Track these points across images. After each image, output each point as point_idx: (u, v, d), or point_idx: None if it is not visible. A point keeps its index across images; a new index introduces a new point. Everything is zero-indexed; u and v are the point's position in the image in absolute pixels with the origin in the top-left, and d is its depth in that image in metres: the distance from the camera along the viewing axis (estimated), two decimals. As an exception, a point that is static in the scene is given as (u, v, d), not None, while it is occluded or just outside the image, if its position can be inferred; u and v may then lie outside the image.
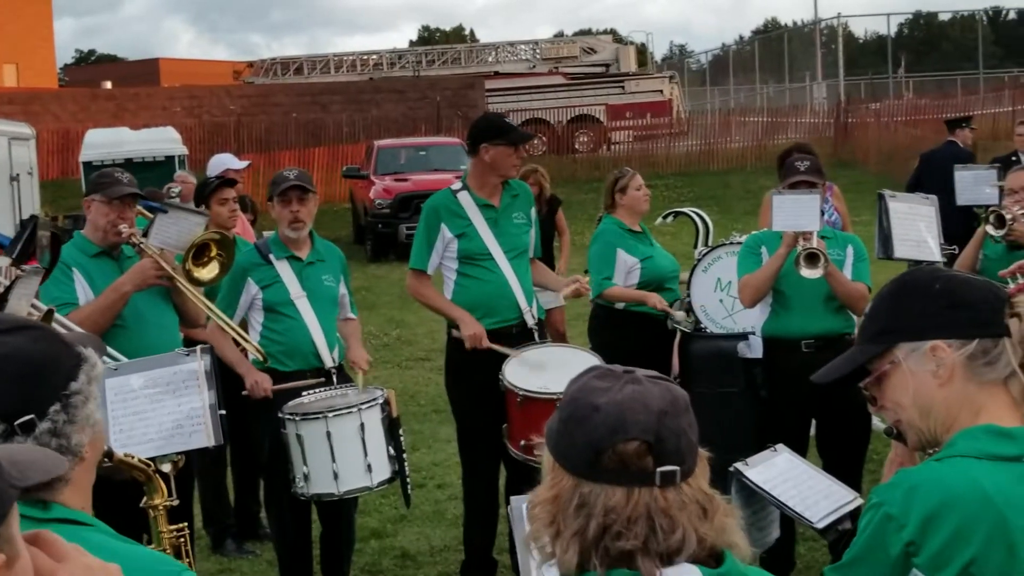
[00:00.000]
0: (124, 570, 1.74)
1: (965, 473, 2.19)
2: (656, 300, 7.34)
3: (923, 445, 2.40)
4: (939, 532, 2.15)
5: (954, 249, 6.57)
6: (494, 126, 6.38)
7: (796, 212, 6.02)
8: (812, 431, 6.52)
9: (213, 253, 5.87)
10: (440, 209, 6.27)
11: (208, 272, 5.87)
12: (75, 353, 2.25)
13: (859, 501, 3.79)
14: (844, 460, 6.16)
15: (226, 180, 7.69)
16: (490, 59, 41.89)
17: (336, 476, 5.53)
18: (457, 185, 6.38)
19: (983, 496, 2.16)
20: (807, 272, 5.95)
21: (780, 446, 3.87)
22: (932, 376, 2.31)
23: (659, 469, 1.93)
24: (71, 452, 2.18)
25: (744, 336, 7.21)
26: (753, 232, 6.89)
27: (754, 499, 3.72)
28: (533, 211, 6.51)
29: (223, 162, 9.63)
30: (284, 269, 6.06)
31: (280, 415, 5.63)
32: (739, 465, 3.63)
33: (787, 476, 3.71)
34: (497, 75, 38.98)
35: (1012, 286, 3.87)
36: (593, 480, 1.94)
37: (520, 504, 2.93)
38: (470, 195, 6.27)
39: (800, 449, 6.33)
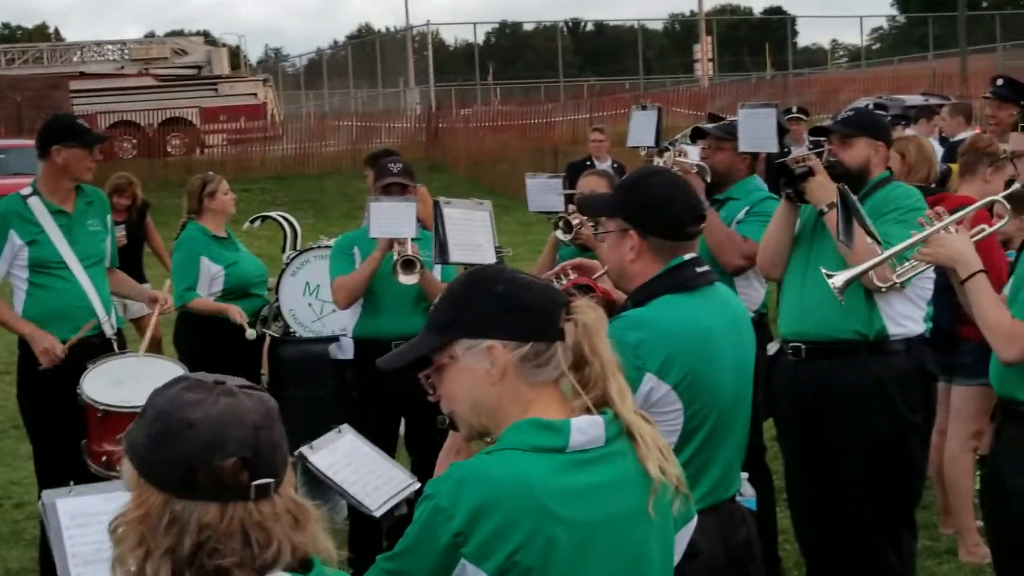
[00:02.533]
0: None
1: (511, 466, 2.27)
2: (236, 313, 7.15)
3: (474, 436, 2.48)
4: (486, 523, 2.22)
5: None
6: (66, 127, 6.11)
7: (392, 219, 6.11)
8: (402, 430, 6.65)
9: None
10: (8, 215, 5.98)
11: None
12: None
13: (416, 485, 3.91)
14: (432, 458, 6.30)
15: None
16: (75, 59, 40.09)
17: None
18: (27, 190, 6.09)
19: (527, 488, 2.24)
20: (404, 279, 6.05)
21: (345, 426, 3.91)
22: (485, 374, 2.38)
23: (254, 483, 1.91)
24: None
25: (335, 338, 7.25)
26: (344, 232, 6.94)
27: (319, 482, 3.74)
28: (110, 218, 6.31)
29: None
30: None
31: None
32: (304, 450, 3.64)
33: (349, 460, 3.76)
34: (83, 75, 37.33)
35: (559, 286, 4.07)
36: (186, 497, 1.89)
37: (52, 500, 2.79)
38: (41, 200, 6.00)
39: (389, 447, 6.46)
